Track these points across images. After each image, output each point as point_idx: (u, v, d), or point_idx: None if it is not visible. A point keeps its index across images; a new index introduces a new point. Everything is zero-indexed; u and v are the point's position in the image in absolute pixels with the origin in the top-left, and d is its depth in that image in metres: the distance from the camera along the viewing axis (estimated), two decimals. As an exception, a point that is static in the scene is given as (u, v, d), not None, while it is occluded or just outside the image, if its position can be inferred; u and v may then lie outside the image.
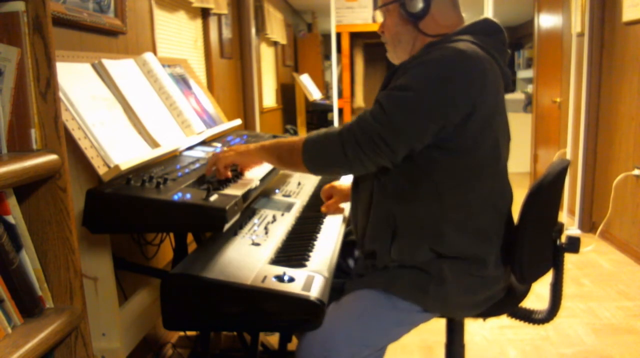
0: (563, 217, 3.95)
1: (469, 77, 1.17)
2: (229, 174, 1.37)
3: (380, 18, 1.41)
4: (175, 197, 1.15)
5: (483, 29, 1.29)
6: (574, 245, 1.39)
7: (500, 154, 1.27)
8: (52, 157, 0.94)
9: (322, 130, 1.24)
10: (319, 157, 1.23)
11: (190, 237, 1.76)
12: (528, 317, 1.47)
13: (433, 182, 1.22)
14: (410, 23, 1.32)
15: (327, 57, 7.27)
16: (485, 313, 1.39)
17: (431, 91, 1.16)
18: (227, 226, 1.14)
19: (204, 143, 1.80)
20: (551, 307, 1.44)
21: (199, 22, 3.16)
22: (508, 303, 1.40)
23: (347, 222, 1.64)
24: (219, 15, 3.41)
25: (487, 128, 1.21)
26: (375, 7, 1.30)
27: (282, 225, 1.50)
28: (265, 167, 1.52)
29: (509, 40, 1.33)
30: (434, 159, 1.21)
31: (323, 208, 1.65)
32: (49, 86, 0.94)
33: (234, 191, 1.27)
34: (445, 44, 1.23)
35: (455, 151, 1.20)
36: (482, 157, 1.23)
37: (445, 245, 1.23)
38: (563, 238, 1.42)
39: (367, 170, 1.22)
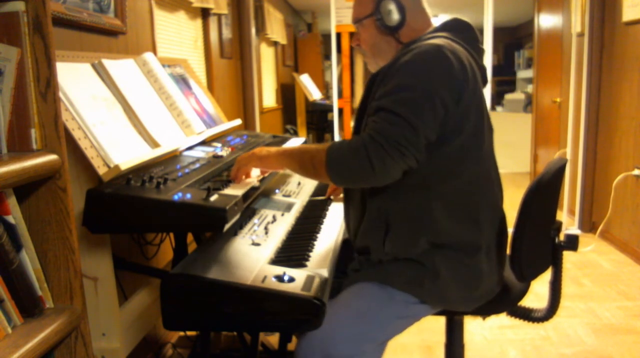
0: (563, 217, 3.95)
1: (450, 66, 1.21)
2: (250, 175, 1.42)
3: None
4: (176, 197, 1.15)
5: (454, 26, 1.35)
6: (572, 243, 1.40)
7: (483, 140, 1.30)
8: (52, 157, 0.94)
9: (345, 141, 1.22)
10: (344, 167, 1.20)
11: (190, 237, 1.76)
12: (527, 315, 1.47)
13: (419, 171, 1.24)
14: (388, 34, 1.37)
15: (327, 57, 7.28)
16: (485, 311, 1.39)
17: (424, 83, 1.19)
18: (227, 226, 1.14)
19: (204, 143, 1.80)
20: (550, 305, 1.45)
21: (199, 22, 3.17)
22: (507, 301, 1.41)
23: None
24: (219, 15, 3.41)
25: (468, 115, 1.25)
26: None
27: (282, 225, 1.51)
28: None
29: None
30: None
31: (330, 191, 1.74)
32: (49, 86, 0.94)
33: (234, 191, 1.27)
34: (422, 42, 1.28)
35: (440, 140, 1.23)
36: (463, 143, 1.25)
37: (437, 233, 1.25)
38: (561, 237, 1.42)
39: (392, 179, 1.19)
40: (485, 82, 1.37)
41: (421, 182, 1.25)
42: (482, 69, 1.36)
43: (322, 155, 1.22)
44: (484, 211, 1.30)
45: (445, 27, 1.35)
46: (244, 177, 1.40)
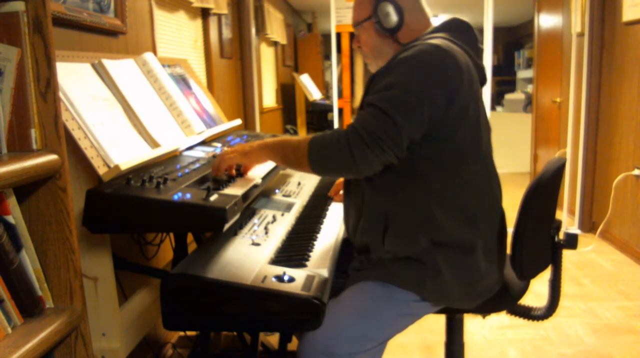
0: (563, 217, 3.95)
1: (445, 66, 1.22)
2: (233, 172, 1.40)
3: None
4: (175, 197, 1.15)
5: (453, 26, 1.36)
6: (571, 241, 1.40)
7: (481, 140, 1.31)
8: (52, 157, 0.94)
9: (327, 132, 1.24)
10: (325, 158, 1.23)
11: (190, 237, 1.76)
12: (527, 313, 1.47)
13: (417, 170, 1.25)
14: (387, 36, 1.38)
15: (327, 57, 7.27)
16: (485, 310, 1.39)
17: (416, 83, 1.20)
18: (227, 226, 1.14)
19: (204, 143, 1.81)
20: (550, 303, 1.45)
21: (199, 22, 3.17)
22: (507, 299, 1.41)
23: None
24: (219, 15, 3.41)
25: (465, 115, 1.25)
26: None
27: (282, 225, 1.51)
28: (265, 167, 1.52)
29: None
30: (416, 148, 1.24)
31: (332, 193, 1.78)
32: (49, 86, 0.94)
33: (234, 191, 1.27)
34: (420, 41, 1.29)
35: (436, 139, 1.24)
36: (462, 143, 1.26)
37: (437, 231, 1.26)
38: (561, 235, 1.43)
39: (373, 171, 1.22)
40: (484, 82, 1.38)
41: (419, 179, 1.26)
42: (481, 69, 1.36)
43: (304, 146, 1.24)
44: (482, 210, 1.30)
45: (445, 27, 1.35)
46: (225, 171, 1.38)
